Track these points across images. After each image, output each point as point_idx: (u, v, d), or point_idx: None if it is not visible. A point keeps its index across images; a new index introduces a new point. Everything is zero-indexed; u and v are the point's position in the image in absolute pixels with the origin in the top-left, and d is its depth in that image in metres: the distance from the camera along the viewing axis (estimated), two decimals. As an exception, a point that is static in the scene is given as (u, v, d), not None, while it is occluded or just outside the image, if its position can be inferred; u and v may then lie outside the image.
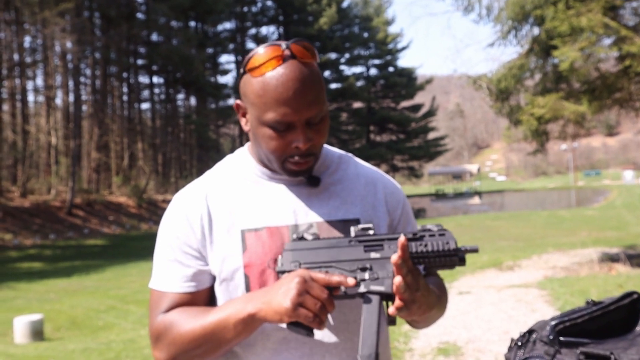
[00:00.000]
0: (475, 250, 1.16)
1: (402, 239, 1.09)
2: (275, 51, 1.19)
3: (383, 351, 1.33)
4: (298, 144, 1.21)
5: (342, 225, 1.30)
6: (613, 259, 10.89)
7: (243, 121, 1.31)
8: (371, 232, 1.19)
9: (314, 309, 1.11)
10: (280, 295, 1.12)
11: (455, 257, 1.15)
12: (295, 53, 1.20)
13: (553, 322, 1.21)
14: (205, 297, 1.30)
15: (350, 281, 1.13)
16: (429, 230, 1.16)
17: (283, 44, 1.20)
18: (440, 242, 1.15)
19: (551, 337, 1.19)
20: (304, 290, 1.11)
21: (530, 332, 1.25)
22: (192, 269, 1.28)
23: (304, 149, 1.22)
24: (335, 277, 1.13)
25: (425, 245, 1.14)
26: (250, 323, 1.17)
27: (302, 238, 1.21)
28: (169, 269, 1.29)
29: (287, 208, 1.30)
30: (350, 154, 1.46)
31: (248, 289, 1.25)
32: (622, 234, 16.14)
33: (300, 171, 1.27)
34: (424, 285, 1.15)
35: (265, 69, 1.19)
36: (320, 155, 1.31)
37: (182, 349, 1.22)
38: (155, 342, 1.26)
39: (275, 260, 1.25)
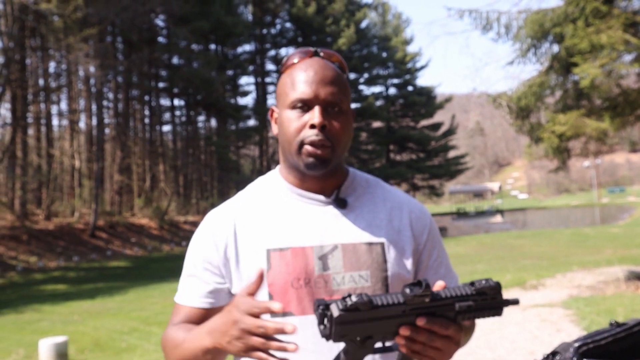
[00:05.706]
0: (516, 303, 1.13)
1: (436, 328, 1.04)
2: (306, 52, 1.38)
3: None
4: (313, 121, 1.28)
5: (367, 247, 1.32)
6: (640, 277, 10.69)
7: (274, 126, 1.41)
8: (427, 299, 1.05)
9: (263, 346, 1.06)
10: (226, 342, 1.11)
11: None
12: (322, 54, 1.38)
13: (576, 344, 1.21)
14: None
15: (275, 306, 1.04)
16: (484, 292, 1.09)
17: (313, 48, 1.39)
18: (488, 311, 1.12)
19: (574, 359, 1.18)
20: (239, 336, 1.07)
21: (554, 354, 1.25)
22: (210, 285, 1.35)
23: (318, 126, 1.28)
24: (262, 305, 1.05)
25: (474, 317, 1.10)
26: (218, 353, 1.19)
27: (355, 308, 1.00)
28: (188, 284, 1.38)
29: (313, 229, 1.33)
30: (378, 179, 1.49)
31: None
32: (648, 251, 15.84)
33: (316, 157, 1.29)
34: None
35: (295, 63, 1.36)
36: (340, 154, 1.34)
37: None
38: (163, 350, 1.37)
39: (299, 279, 1.28)
